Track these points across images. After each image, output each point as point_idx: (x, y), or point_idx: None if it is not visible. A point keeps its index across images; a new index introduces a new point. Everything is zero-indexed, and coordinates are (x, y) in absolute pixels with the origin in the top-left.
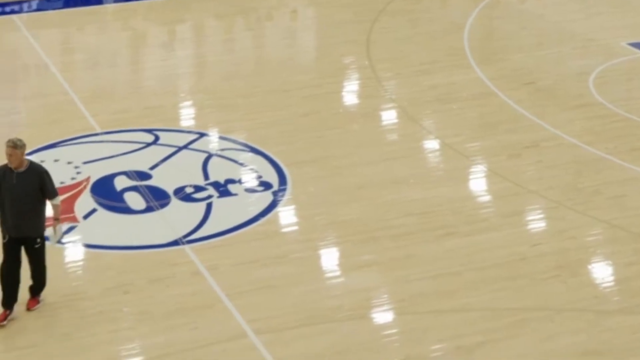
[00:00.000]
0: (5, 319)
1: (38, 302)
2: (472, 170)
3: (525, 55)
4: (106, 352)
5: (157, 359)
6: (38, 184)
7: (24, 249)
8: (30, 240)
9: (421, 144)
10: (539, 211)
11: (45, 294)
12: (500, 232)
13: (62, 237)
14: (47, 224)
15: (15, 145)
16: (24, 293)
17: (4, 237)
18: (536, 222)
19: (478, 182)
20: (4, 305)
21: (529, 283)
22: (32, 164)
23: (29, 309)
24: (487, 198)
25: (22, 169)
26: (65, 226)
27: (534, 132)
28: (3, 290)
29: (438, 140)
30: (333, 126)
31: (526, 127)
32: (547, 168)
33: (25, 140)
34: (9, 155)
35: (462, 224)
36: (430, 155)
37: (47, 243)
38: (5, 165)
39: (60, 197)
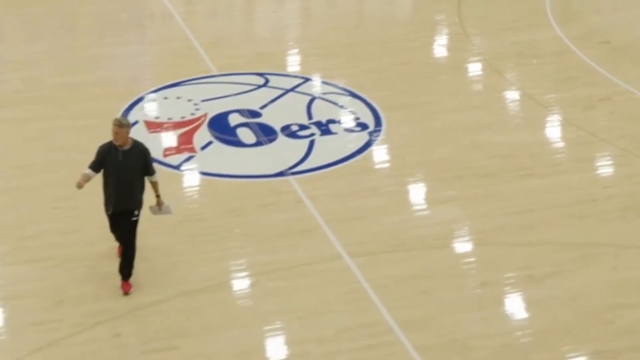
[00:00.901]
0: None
1: (130, 285)
2: (549, 119)
3: (601, 17)
4: (217, 267)
5: (261, 275)
6: (142, 161)
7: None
8: (129, 213)
9: (503, 94)
10: (609, 158)
11: (164, 216)
12: (573, 175)
13: (168, 212)
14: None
15: (121, 124)
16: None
17: (107, 211)
18: (606, 167)
19: (554, 130)
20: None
21: (597, 221)
22: (135, 142)
23: (125, 292)
24: (562, 144)
25: (127, 147)
26: (169, 204)
27: (607, 87)
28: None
29: (519, 92)
30: (425, 76)
31: (600, 82)
32: (618, 119)
33: (151, 80)
34: (115, 134)
35: (539, 166)
36: (511, 104)
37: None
38: (110, 143)
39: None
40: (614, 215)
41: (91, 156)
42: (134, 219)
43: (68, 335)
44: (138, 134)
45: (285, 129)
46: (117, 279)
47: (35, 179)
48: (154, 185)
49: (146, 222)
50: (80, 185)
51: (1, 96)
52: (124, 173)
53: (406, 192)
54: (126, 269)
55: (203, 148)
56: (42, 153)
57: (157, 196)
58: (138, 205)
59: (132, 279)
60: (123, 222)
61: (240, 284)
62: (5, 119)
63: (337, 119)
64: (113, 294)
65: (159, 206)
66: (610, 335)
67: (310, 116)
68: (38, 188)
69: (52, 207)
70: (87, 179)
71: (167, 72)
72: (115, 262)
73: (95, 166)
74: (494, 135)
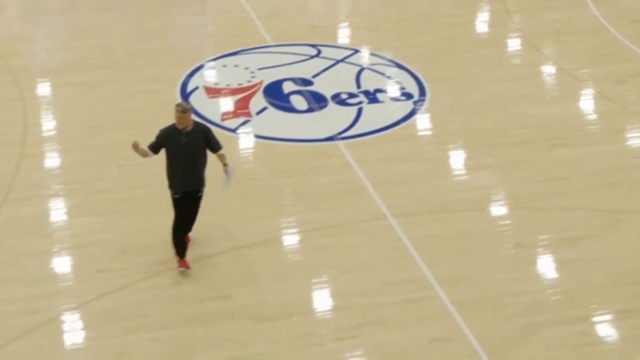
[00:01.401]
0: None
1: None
2: (583, 92)
3: None
4: (269, 224)
5: (310, 232)
6: (204, 140)
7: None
8: (195, 192)
9: (540, 68)
10: (639, 130)
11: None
12: (605, 146)
13: (233, 172)
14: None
15: (184, 110)
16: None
17: (175, 194)
18: (636, 139)
19: (588, 103)
20: (181, 254)
21: (626, 190)
22: (196, 122)
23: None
24: (595, 116)
25: (189, 129)
26: (233, 169)
27: (638, 63)
28: (178, 244)
29: (555, 66)
30: (467, 50)
31: (632, 58)
32: None
33: (211, 49)
34: (179, 118)
35: (573, 137)
36: (548, 78)
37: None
38: (173, 126)
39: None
40: None
41: (155, 118)
42: (199, 195)
43: (131, 283)
44: (198, 99)
45: (336, 97)
46: None
47: (103, 139)
48: (221, 157)
49: None
50: (136, 146)
51: (72, 62)
52: (189, 154)
53: (447, 158)
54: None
55: (258, 113)
56: (109, 115)
57: (225, 164)
58: (203, 183)
59: (191, 233)
60: (189, 202)
61: (291, 240)
62: (76, 83)
63: (384, 89)
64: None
65: (226, 174)
66: (636, 295)
67: (359, 85)
68: (106, 147)
69: (117, 166)
70: (144, 153)
71: (226, 42)
72: None
73: (154, 147)
74: (531, 107)
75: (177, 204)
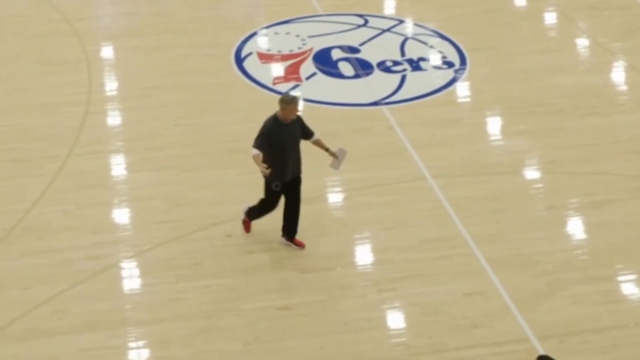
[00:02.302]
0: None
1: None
2: (615, 64)
3: None
4: (316, 182)
5: (354, 190)
6: (300, 129)
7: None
8: (298, 179)
9: (576, 40)
10: None
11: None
12: (635, 115)
13: (344, 152)
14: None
15: (295, 101)
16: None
17: (277, 186)
18: None
19: (619, 74)
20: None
21: None
22: None
23: (303, 247)
24: (625, 87)
25: (289, 119)
26: (343, 151)
27: None
28: (256, 216)
29: (589, 39)
30: (506, 22)
31: None
32: None
33: (264, 18)
34: (291, 111)
35: (604, 106)
36: (582, 50)
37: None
38: (274, 119)
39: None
40: None
41: (210, 80)
42: (300, 177)
43: (186, 234)
44: (251, 64)
45: (381, 64)
46: (231, 186)
47: (161, 99)
48: (319, 143)
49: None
50: (265, 171)
51: (133, 27)
52: (294, 143)
53: (484, 124)
54: (295, 226)
55: (308, 78)
56: (167, 77)
57: (327, 149)
58: (301, 168)
59: (240, 190)
60: (293, 188)
61: (335, 197)
62: (136, 47)
63: (426, 57)
64: (226, 200)
65: (335, 157)
66: None
67: (403, 54)
68: (163, 107)
69: (174, 125)
70: (261, 160)
71: (279, 11)
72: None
73: (264, 144)
74: (565, 77)
75: (278, 194)
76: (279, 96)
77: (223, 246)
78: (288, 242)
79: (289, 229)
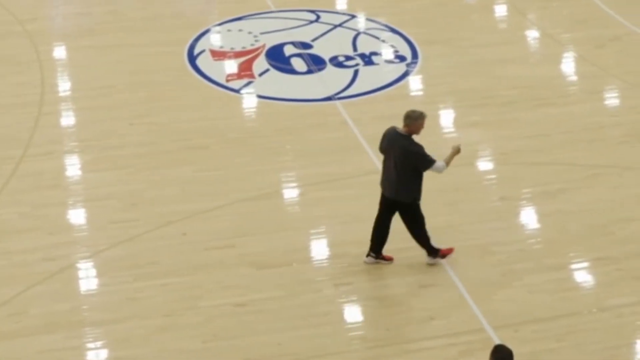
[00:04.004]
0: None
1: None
2: (565, 55)
3: None
4: (272, 178)
5: (310, 185)
6: None
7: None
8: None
9: (526, 32)
10: (617, 90)
11: (226, 130)
12: (585, 105)
13: None
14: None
15: (422, 116)
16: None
17: (417, 199)
18: (613, 99)
19: (570, 65)
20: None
21: (604, 145)
22: None
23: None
24: (576, 78)
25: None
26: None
27: (617, 28)
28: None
29: (540, 31)
30: (458, 15)
31: (611, 24)
32: (626, 57)
33: (217, 15)
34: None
35: (555, 97)
36: (533, 41)
37: None
38: (394, 130)
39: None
40: (618, 140)
41: (164, 78)
42: None
43: (142, 233)
44: (204, 61)
45: (333, 60)
46: (187, 184)
47: (115, 98)
48: None
49: (208, 138)
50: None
51: (87, 26)
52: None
53: (438, 117)
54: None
55: (261, 74)
56: (121, 76)
57: None
58: None
59: (196, 187)
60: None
61: (291, 193)
62: (90, 46)
63: (378, 52)
64: (182, 198)
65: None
66: (611, 244)
67: (355, 48)
68: (117, 106)
69: (129, 124)
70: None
71: (232, 8)
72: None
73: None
74: (517, 69)
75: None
76: (232, 93)
77: (179, 244)
78: (377, 260)
79: (380, 245)
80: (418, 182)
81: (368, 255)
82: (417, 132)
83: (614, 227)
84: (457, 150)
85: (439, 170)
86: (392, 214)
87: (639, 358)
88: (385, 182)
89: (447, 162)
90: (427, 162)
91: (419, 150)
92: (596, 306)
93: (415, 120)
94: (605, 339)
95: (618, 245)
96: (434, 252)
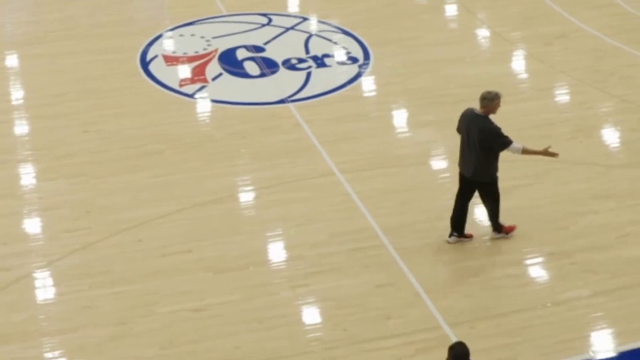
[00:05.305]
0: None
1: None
2: (514, 53)
3: None
4: (226, 182)
5: (265, 189)
6: None
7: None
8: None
9: (475, 31)
10: (566, 87)
11: (180, 135)
12: (535, 102)
13: None
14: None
15: (497, 97)
16: None
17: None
18: (563, 95)
19: (519, 63)
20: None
21: (554, 141)
22: None
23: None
24: (525, 75)
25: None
26: None
27: (564, 25)
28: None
29: (489, 30)
30: (408, 15)
31: (558, 21)
32: (573, 54)
33: (170, 20)
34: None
35: (506, 94)
36: (482, 40)
37: None
38: (472, 111)
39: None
40: (568, 136)
41: (116, 85)
42: None
43: (96, 241)
44: (157, 67)
45: (286, 62)
46: (141, 191)
47: (67, 106)
48: None
49: (162, 143)
50: (554, 153)
51: (36, 34)
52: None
53: (390, 117)
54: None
55: (214, 79)
56: (73, 83)
57: None
58: None
59: (150, 193)
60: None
61: (246, 196)
62: (40, 54)
63: (331, 54)
64: (136, 204)
65: None
66: (564, 239)
67: (307, 51)
68: (69, 114)
69: (81, 131)
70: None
71: (183, 13)
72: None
73: None
74: (467, 67)
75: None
76: (186, 98)
77: (134, 251)
78: (460, 239)
79: (462, 224)
80: (495, 162)
81: (451, 235)
82: (493, 111)
83: (566, 222)
84: (546, 152)
85: (515, 151)
86: (472, 192)
87: (593, 350)
88: (463, 162)
89: (526, 150)
90: (503, 141)
91: (496, 129)
92: (550, 300)
93: (491, 100)
94: (559, 333)
95: (571, 239)
96: (499, 228)
